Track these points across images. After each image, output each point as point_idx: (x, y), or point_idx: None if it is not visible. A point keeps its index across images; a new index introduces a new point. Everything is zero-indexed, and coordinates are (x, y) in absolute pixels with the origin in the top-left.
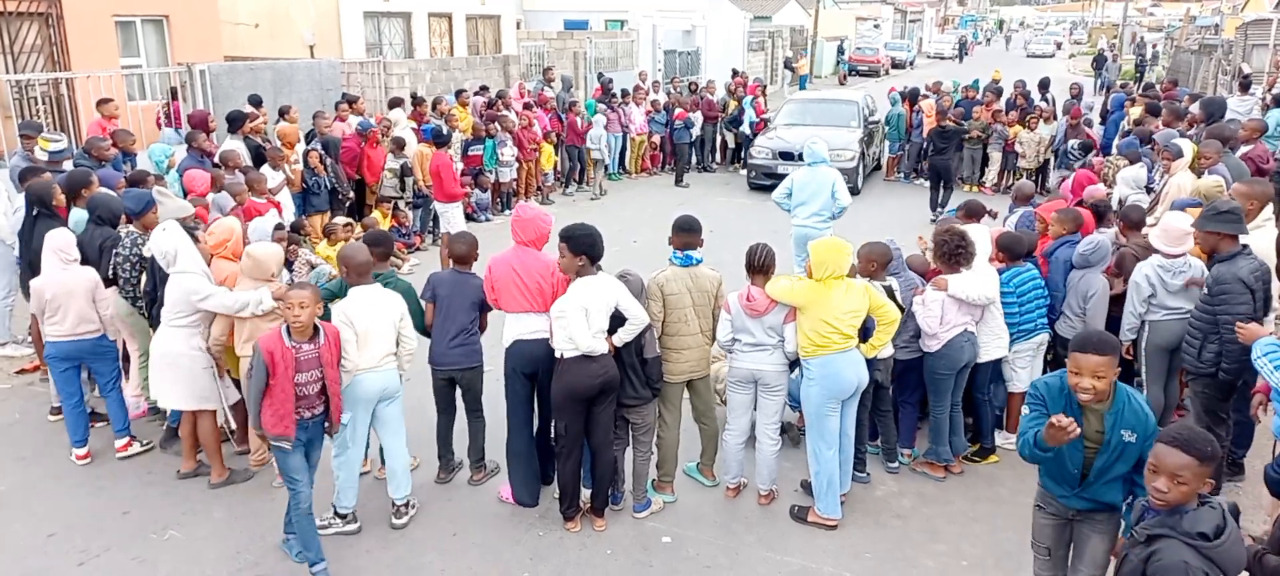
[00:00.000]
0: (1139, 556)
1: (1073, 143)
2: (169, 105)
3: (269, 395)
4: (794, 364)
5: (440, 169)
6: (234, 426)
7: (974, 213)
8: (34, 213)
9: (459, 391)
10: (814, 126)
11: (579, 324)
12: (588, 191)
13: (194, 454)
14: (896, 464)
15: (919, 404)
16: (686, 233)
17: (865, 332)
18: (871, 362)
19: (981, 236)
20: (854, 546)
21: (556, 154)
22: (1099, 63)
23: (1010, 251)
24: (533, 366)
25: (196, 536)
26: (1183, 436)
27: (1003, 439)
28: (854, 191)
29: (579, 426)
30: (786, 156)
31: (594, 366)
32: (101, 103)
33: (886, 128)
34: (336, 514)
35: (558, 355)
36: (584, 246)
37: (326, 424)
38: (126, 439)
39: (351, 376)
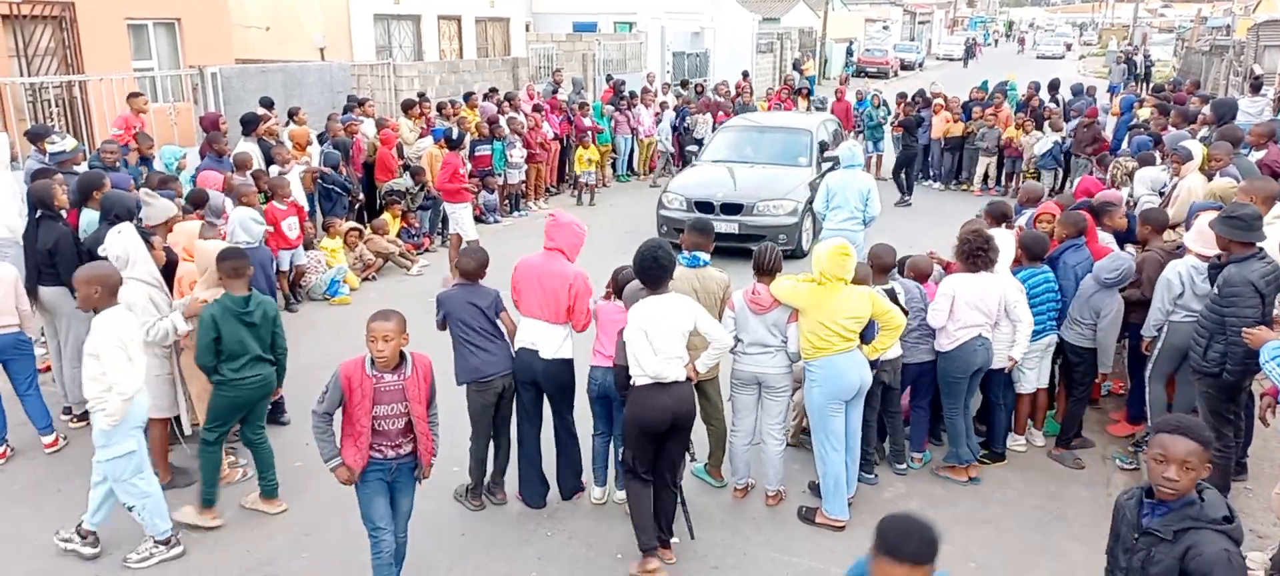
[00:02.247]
0: (1172, 554)
1: (1052, 140)
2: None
3: (346, 424)
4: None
5: (449, 169)
6: (189, 431)
7: (999, 215)
8: (36, 214)
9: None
10: (750, 164)
11: (641, 347)
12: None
13: (165, 464)
14: (904, 466)
15: (931, 407)
16: (698, 234)
17: (867, 335)
18: (877, 364)
19: (1006, 241)
20: (861, 547)
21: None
22: (1128, 65)
23: (1031, 251)
24: (531, 376)
25: (205, 535)
26: (1183, 424)
27: (1012, 441)
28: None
29: (649, 460)
30: (704, 208)
31: (665, 397)
32: (132, 96)
33: (866, 126)
34: (156, 542)
35: (631, 381)
36: (645, 269)
37: (417, 469)
38: (53, 436)
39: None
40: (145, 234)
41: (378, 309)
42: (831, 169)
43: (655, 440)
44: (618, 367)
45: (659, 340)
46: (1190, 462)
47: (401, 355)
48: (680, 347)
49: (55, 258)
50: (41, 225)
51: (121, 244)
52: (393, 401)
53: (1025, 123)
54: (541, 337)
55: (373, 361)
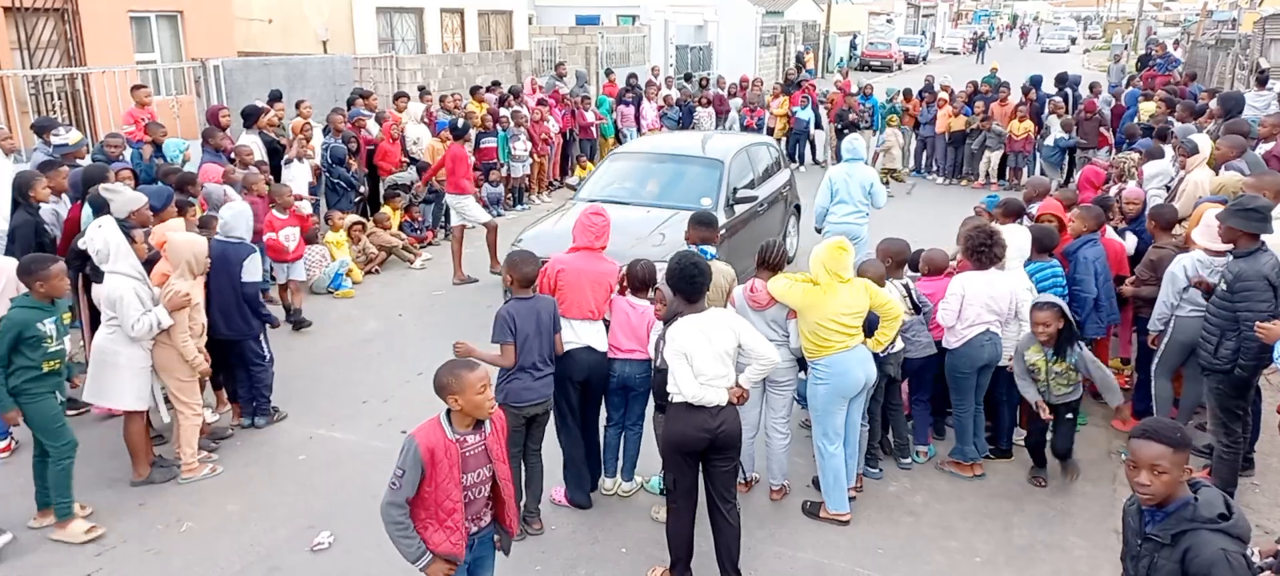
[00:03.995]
0: (1171, 558)
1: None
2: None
3: (425, 504)
4: (802, 363)
5: (455, 160)
6: (167, 421)
7: (1014, 211)
8: (15, 203)
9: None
10: (635, 207)
11: (683, 371)
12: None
13: (146, 459)
14: (909, 460)
15: (931, 403)
16: (704, 227)
17: (869, 328)
18: (882, 358)
19: (1019, 236)
20: (866, 542)
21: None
22: (1144, 62)
23: (1040, 244)
24: (586, 373)
25: (210, 528)
26: (1151, 427)
27: (1018, 436)
28: None
29: (690, 482)
30: None
31: (701, 417)
32: (136, 88)
33: (869, 119)
34: None
35: (669, 396)
36: (679, 283)
37: (498, 536)
38: (6, 441)
39: None
40: (128, 227)
41: (449, 362)
42: (754, 211)
43: (695, 460)
44: (659, 372)
45: (701, 363)
46: (1160, 465)
47: None
48: (725, 369)
49: (13, 245)
50: (15, 213)
51: (101, 238)
52: (479, 466)
53: (1021, 114)
54: (594, 336)
55: (451, 420)
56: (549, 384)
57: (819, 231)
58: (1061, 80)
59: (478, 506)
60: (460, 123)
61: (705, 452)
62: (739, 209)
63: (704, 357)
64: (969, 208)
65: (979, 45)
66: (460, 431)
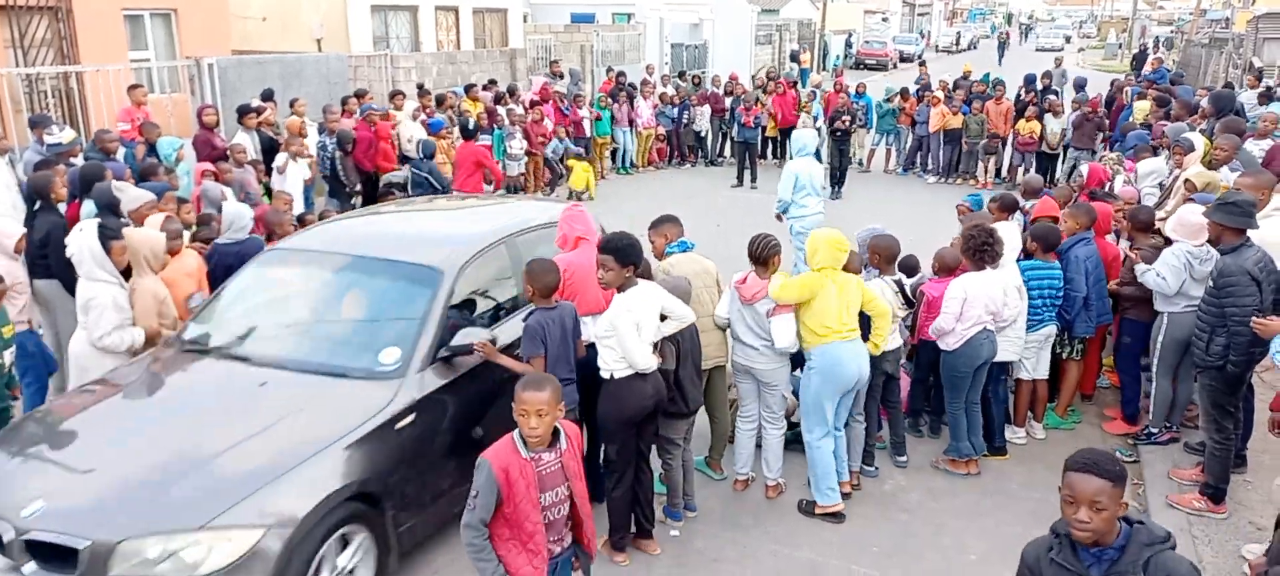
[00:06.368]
0: None
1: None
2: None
3: (509, 524)
4: (796, 362)
5: (471, 159)
6: None
7: (1007, 206)
8: (35, 205)
9: None
10: (246, 362)
11: (633, 341)
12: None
13: None
14: (905, 458)
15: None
16: (673, 224)
17: (865, 331)
18: (879, 356)
19: (1011, 233)
20: (861, 539)
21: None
22: (1139, 61)
23: (1045, 242)
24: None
25: None
26: (1090, 460)
27: (1011, 434)
28: None
29: (632, 449)
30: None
31: (646, 385)
32: (132, 88)
33: (863, 118)
34: None
35: (606, 376)
36: (634, 256)
37: (576, 558)
38: None
39: None
40: (113, 231)
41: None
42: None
43: (637, 426)
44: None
45: (648, 331)
46: (1099, 502)
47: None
48: (656, 336)
49: (47, 249)
50: (37, 217)
51: (78, 243)
52: (556, 485)
53: (1029, 114)
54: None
55: (525, 440)
56: (574, 391)
57: (779, 218)
58: (1080, 85)
59: (558, 526)
60: (471, 124)
61: (645, 419)
62: (455, 368)
63: (648, 326)
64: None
65: (1001, 45)
66: (534, 449)
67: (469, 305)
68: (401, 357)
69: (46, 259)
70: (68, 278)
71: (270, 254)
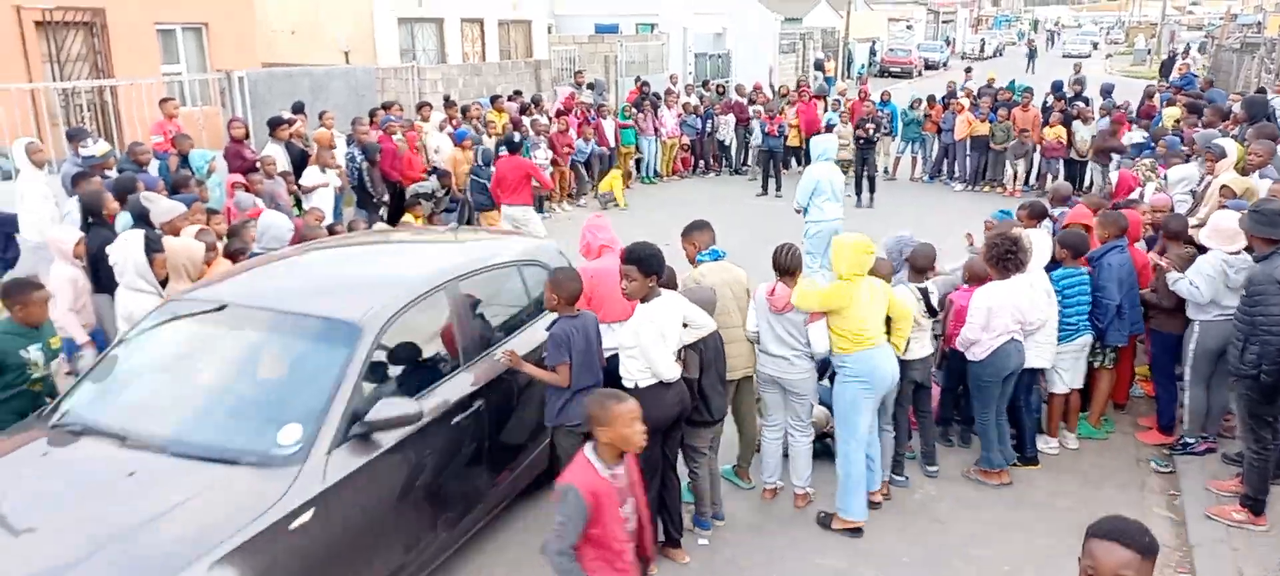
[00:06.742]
0: None
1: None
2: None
3: (596, 545)
4: (822, 371)
5: (520, 171)
6: None
7: (1037, 214)
8: (88, 221)
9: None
10: (135, 449)
11: (658, 351)
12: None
13: None
14: (935, 468)
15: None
16: (704, 232)
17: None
18: (908, 363)
19: (1042, 240)
20: (891, 550)
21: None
22: (1168, 67)
23: (1075, 250)
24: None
25: None
26: (1116, 528)
27: (1043, 444)
28: None
29: (657, 457)
30: None
31: (670, 394)
32: (164, 101)
33: (881, 123)
34: None
35: (630, 386)
36: (656, 266)
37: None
38: None
39: None
40: (156, 243)
41: (598, 392)
42: (422, 452)
43: (662, 434)
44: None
45: (672, 342)
46: None
47: None
48: (678, 346)
49: (98, 266)
50: (90, 232)
51: (118, 252)
52: (626, 498)
53: (1053, 121)
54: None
55: (601, 455)
56: None
57: (799, 212)
58: (1106, 90)
59: (629, 541)
60: (516, 137)
61: (670, 427)
62: (372, 447)
63: (673, 336)
64: (990, 212)
65: (1031, 53)
66: (611, 467)
67: (408, 364)
68: (304, 437)
69: (98, 274)
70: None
71: (167, 306)
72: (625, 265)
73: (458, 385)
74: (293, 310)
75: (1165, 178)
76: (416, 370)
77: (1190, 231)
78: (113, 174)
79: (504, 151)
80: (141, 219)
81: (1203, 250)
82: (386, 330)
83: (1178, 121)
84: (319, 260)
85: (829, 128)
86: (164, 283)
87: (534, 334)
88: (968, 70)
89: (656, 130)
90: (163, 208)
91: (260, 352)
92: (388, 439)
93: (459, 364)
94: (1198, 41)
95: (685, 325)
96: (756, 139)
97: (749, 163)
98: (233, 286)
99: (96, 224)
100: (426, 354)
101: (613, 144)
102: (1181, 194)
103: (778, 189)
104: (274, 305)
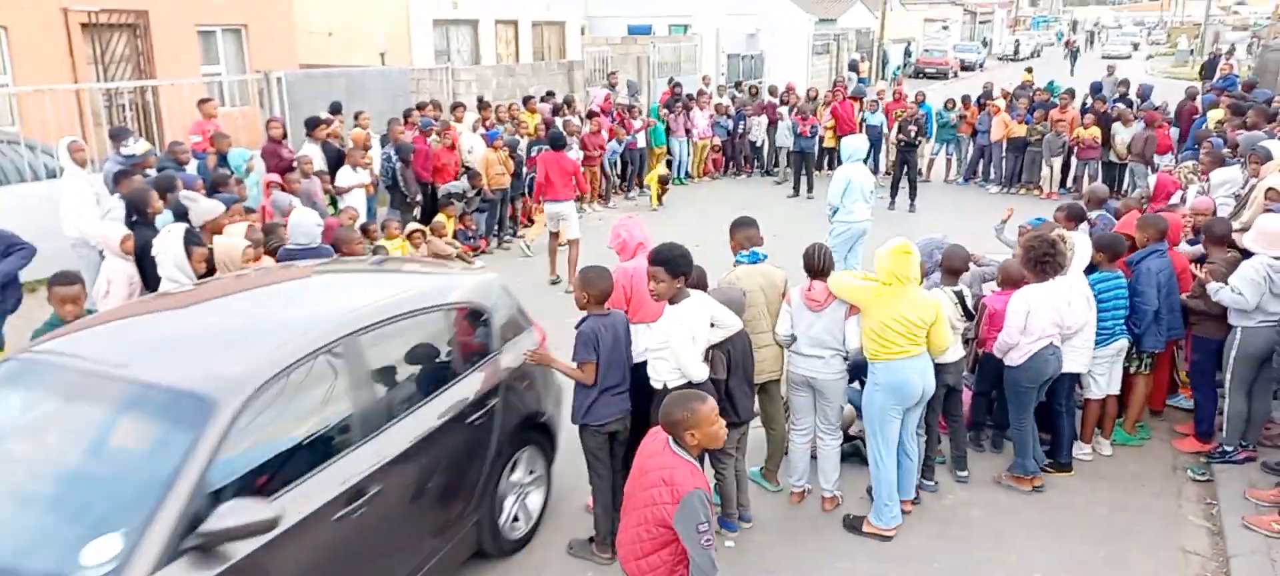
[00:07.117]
0: None
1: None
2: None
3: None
4: (854, 374)
5: (570, 169)
6: None
7: (1075, 216)
8: (133, 218)
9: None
10: None
11: (688, 353)
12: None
13: None
14: (966, 473)
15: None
16: (748, 228)
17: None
18: (941, 366)
19: (1082, 243)
20: (921, 555)
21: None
22: (1209, 69)
23: (1111, 253)
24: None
25: None
26: None
27: (1077, 449)
28: None
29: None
30: None
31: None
32: (202, 102)
33: (923, 126)
34: None
35: (659, 386)
36: (684, 267)
37: None
38: None
39: None
40: (197, 238)
41: (679, 394)
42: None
43: None
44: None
45: (701, 343)
46: None
47: None
48: (706, 347)
49: (143, 262)
50: (136, 230)
51: (160, 246)
52: None
53: (1088, 121)
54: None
55: (694, 458)
56: (626, 399)
57: (832, 213)
58: (1146, 93)
59: None
60: (562, 135)
61: None
62: (216, 561)
63: (701, 338)
64: (1026, 216)
65: (1074, 53)
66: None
67: (278, 447)
68: (119, 554)
69: (144, 270)
70: None
71: (21, 362)
72: (653, 266)
73: (346, 469)
74: (130, 377)
75: (1208, 182)
76: (290, 455)
77: (1234, 235)
78: (153, 172)
79: (545, 149)
80: (182, 216)
81: (1246, 254)
82: (252, 403)
83: (1221, 123)
84: (204, 304)
85: (866, 128)
86: (204, 277)
87: (467, 388)
88: (1028, 69)
89: (688, 131)
90: (203, 207)
91: (80, 433)
92: (240, 549)
93: (353, 441)
94: (1244, 40)
95: (712, 325)
96: (782, 139)
97: (780, 165)
98: (81, 339)
99: (141, 221)
100: (305, 431)
101: (640, 147)
102: (1224, 197)
103: (809, 190)
104: (108, 369)
